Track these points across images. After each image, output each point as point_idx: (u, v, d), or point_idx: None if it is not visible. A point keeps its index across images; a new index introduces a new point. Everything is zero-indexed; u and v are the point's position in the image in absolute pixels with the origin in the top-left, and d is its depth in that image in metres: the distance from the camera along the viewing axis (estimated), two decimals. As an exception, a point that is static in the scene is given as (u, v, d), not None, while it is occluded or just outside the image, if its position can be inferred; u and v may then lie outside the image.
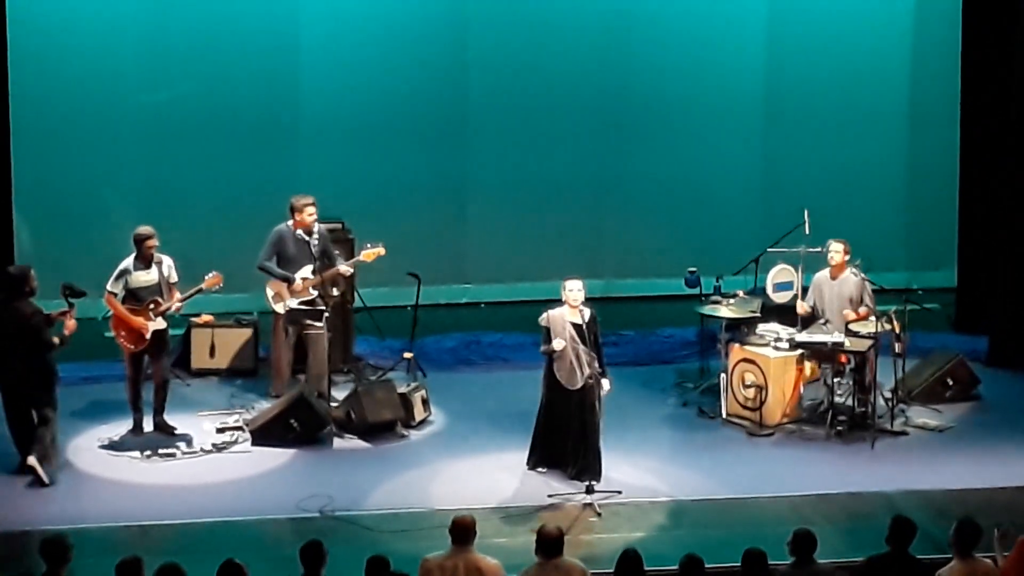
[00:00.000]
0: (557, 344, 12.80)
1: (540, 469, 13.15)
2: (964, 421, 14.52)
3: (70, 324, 13.17)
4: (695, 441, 14.04)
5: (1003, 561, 9.81)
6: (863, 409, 14.09)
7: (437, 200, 17.72)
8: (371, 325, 15.79)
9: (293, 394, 13.99)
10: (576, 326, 12.83)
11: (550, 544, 9.80)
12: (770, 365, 14.16)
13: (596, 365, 12.86)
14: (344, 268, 14.50)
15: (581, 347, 12.81)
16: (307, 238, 14.36)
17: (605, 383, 13.00)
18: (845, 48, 17.95)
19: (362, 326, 15.96)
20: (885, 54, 18.07)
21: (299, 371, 14.68)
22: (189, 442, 13.79)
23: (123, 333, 13.72)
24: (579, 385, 12.80)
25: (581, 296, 12.90)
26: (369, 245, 14.49)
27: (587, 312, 12.91)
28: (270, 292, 14.45)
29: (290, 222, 14.42)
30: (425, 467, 13.44)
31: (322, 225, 14.59)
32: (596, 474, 12.85)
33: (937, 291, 17.17)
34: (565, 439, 12.96)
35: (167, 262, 13.82)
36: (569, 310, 12.88)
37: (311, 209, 14.34)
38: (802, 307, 14.58)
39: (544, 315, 12.97)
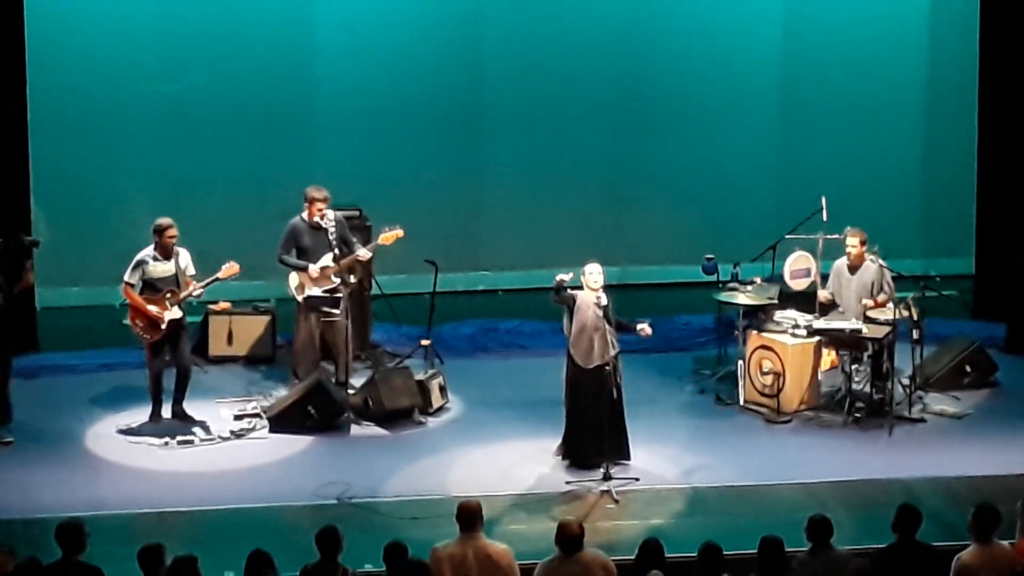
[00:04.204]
0: (561, 275, 12.84)
1: (566, 461, 13.15)
2: (982, 408, 14.50)
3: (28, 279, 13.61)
4: (713, 428, 14.03)
5: (1022, 536, 9.82)
6: (881, 396, 14.07)
7: (454, 187, 17.72)
8: (388, 312, 15.81)
9: (311, 381, 14.00)
10: (599, 307, 12.82)
11: (571, 541, 9.74)
12: (788, 352, 14.15)
13: (616, 342, 12.85)
14: (363, 253, 14.47)
15: (606, 327, 12.80)
16: (323, 227, 14.32)
17: (647, 327, 13.08)
18: (862, 35, 17.91)
19: (379, 313, 15.97)
20: (902, 41, 18.03)
21: (319, 359, 14.67)
22: (207, 429, 13.82)
23: (139, 323, 13.73)
24: (593, 364, 12.78)
25: (601, 280, 12.90)
26: (387, 228, 14.48)
27: (604, 298, 12.91)
28: (293, 284, 14.44)
29: (304, 213, 14.41)
30: (442, 454, 13.45)
31: (338, 212, 14.57)
32: (626, 453, 12.91)
33: (955, 278, 17.16)
34: (596, 430, 12.89)
35: (184, 254, 13.84)
36: (590, 293, 12.88)
37: (319, 204, 14.27)
38: (823, 295, 14.57)
39: (573, 292, 12.93)
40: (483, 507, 10.03)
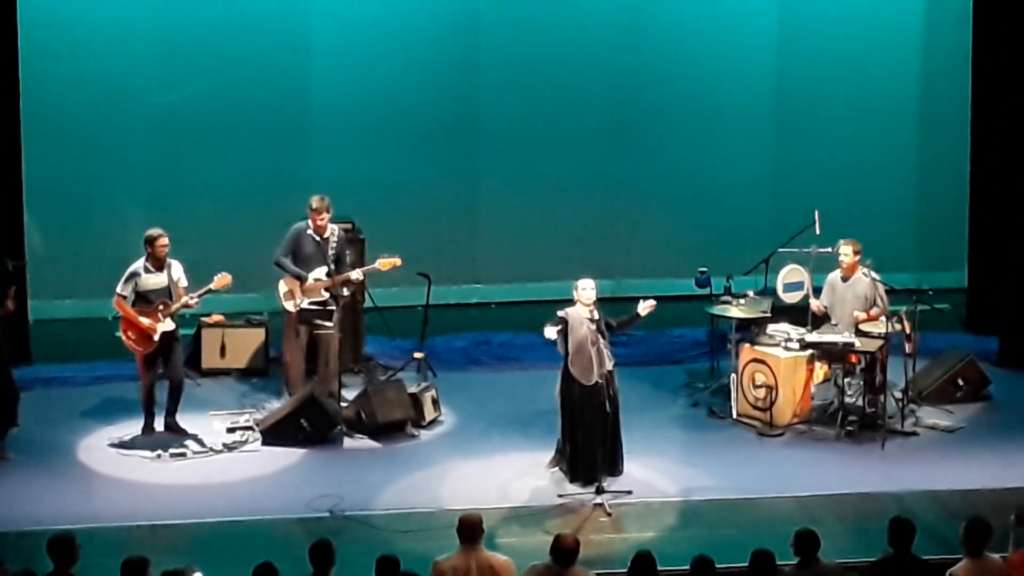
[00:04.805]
0: (548, 332, 12.80)
1: (556, 470, 13.13)
2: (974, 421, 14.51)
3: (9, 306, 13.34)
4: (705, 441, 14.03)
5: (1015, 549, 9.83)
6: (873, 409, 14.08)
7: (448, 200, 17.72)
8: (381, 325, 15.80)
9: (303, 394, 14.00)
10: (593, 321, 12.81)
11: (565, 554, 9.75)
12: (780, 365, 14.15)
13: (613, 358, 12.86)
14: (355, 275, 14.47)
15: (602, 341, 12.79)
16: (323, 239, 14.35)
17: (644, 301, 13.09)
18: (856, 48, 17.94)
19: (372, 326, 15.96)
20: (896, 54, 18.05)
21: (310, 371, 14.68)
22: (199, 442, 13.80)
23: (132, 335, 13.71)
24: (593, 381, 12.75)
25: (594, 295, 12.89)
26: (386, 255, 14.48)
27: (596, 312, 12.90)
28: (282, 290, 14.45)
29: (309, 221, 14.43)
30: (435, 467, 13.44)
31: (340, 228, 14.59)
32: (619, 469, 12.92)
33: (947, 291, 17.16)
34: (596, 446, 12.87)
35: (177, 266, 13.84)
36: (583, 308, 12.87)
37: (314, 215, 14.30)
38: (816, 305, 14.57)
39: (563, 312, 12.93)
40: (476, 520, 10.04)
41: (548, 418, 13.36)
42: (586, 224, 17.95)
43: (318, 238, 14.38)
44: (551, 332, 12.83)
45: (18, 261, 13.75)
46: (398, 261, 14.47)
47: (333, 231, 14.44)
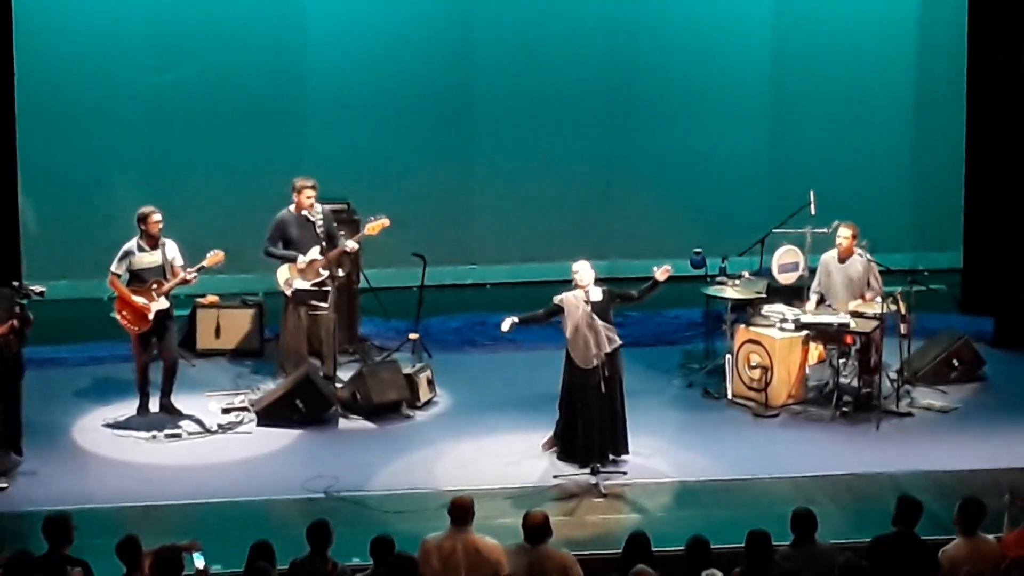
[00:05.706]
0: (505, 325, 12.89)
1: (553, 451, 13.13)
2: (969, 402, 14.52)
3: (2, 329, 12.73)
4: (700, 422, 14.04)
5: (1009, 529, 9.85)
6: (868, 390, 14.08)
7: (442, 180, 17.70)
8: (376, 306, 15.80)
9: (299, 375, 13.99)
10: (590, 303, 12.78)
11: (532, 531, 9.77)
12: (775, 346, 14.15)
13: (615, 336, 12.83)
14: (350, 245, 14.45)
15: (600, 323, 12.74)
16: (311, 219, 14.35)
17: (658, 268, 13.05)
18: (852, 28, 17.90)
19: (367, 307, 15.95)
20: (892, 35, 18.03)
21: (307, 352, 14.66)
22: (195, 422, 13.80)
23: (126, 314, 13.70)
24: (593, 364, 12.72)
25: (588, 276, 12.87)
26: (373, 218, 14.47)
27: (597, 291, 12.87)
28: (282, 279, 14.42)
29: (292, 206, 14.41)
30: (430, 448, 13.45)
31: (325, 206, 14.58)
32: (623, 449, 12.92)
33: (943, 272, 17.16)
34: (597, 428, 12.87)
35: (171, 245, 13.82)
36: (579, 291, 12.85)
37: (308, 192, 14.32)
38: (812, 304, 14.56)
39: (559, 296, 12.93)
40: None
41: (543, 399, 13.37)
42: (581, 205, 17.94)
43: (303, 219, 14.35)
44: (506, 325, 12.90)
45: (40, 289, 13.29)
46: (386, 222, 14.42)
47: (316, 209, 14.41)
